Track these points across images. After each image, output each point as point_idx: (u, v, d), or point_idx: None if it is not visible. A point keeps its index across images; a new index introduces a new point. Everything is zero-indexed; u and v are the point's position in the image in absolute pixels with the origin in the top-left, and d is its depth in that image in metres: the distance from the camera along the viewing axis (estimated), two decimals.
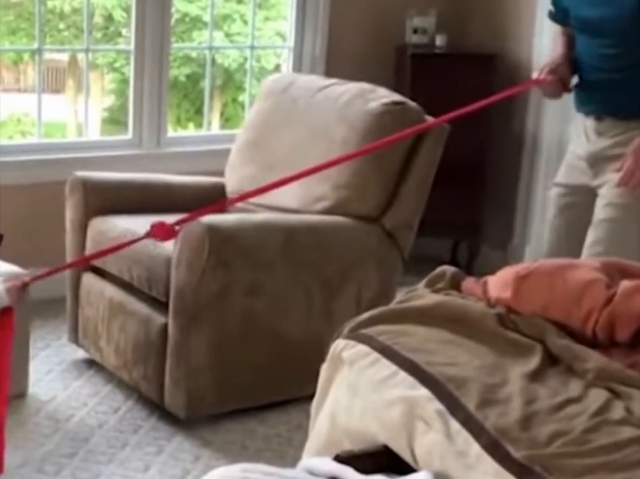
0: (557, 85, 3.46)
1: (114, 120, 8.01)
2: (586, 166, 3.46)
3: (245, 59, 5.62)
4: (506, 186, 5.23)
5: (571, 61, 3.47)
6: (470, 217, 5.17)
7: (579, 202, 3.51)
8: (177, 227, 3.14)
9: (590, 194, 3.45)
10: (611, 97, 3.37)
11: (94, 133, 6.23)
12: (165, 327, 3.42)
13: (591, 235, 3.37)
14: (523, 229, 5.17)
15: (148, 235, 3.06)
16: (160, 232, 3.07)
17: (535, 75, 3.53)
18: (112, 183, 3.94)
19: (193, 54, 7.46)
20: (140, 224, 3.67)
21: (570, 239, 3.51)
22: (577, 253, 3.32)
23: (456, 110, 3.19)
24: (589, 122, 3.46)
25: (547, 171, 4.99)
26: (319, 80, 4.14)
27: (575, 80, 3.51)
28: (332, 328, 2.97)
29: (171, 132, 5.55)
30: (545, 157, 5.01)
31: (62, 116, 8.38)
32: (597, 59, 3.38)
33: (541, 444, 1.99)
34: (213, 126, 6.72)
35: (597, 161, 3.42)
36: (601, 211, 3.38)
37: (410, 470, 2.17)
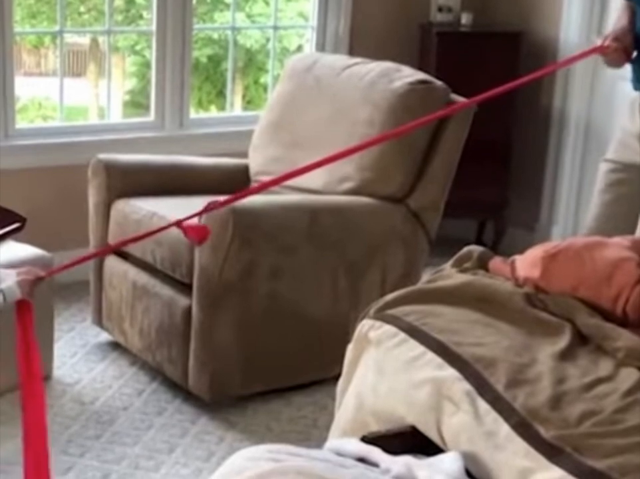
0: (620, 53, 3.39)
1: (136, 102, 8.00)
2: (638, 144, 3.42)
3: (267, 40, 5.59)
4: (533, 165, 5.18)
5: (634, 36, 3.42)
6: (496, 197, 5.13)
7: (629, 179, 3.46)
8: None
9: None
10: None
11: (115, 116, 6.21)
12: (189, 309, 3.40)
13: None
14: (550, 209, 5.12)
15: (179, 226, 2.78)
16: (193, 233, 2.71)
17: (599, 42, 3.48)
18: (134, 166, 3.93)
19: (215, 35, 7.44)
20: (163, 206, 3.67)
21: (617, 215, 3.47)
22: (621, 230, 3.27)
23: (483, 89, 3.14)
24: None
25: (574, 150, 4.95)
26: (342, 60, 4.11)
27: (635, 54, 3.46)
28: (357, 309, 2.96)
29: (194, 114, 5.52)
30: (572, 136, 4.96)
31: (84, 99, 8.38)
32: None
33: (572, 424, 1.98)
34: (235, 108, 6.68)
35: None
36: None
37: (438, 450, 2.16)
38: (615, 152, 3.54)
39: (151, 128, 4.74)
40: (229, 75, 5.16)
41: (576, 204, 4.95)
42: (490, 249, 2.82)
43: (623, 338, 2.24)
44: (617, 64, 3.51)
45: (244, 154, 4.17)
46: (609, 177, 3.52)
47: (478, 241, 5.15)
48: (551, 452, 1.92)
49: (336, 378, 2.66)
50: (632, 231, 3.28)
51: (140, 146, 4.49)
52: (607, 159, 3.56)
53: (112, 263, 3.81)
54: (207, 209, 2.71)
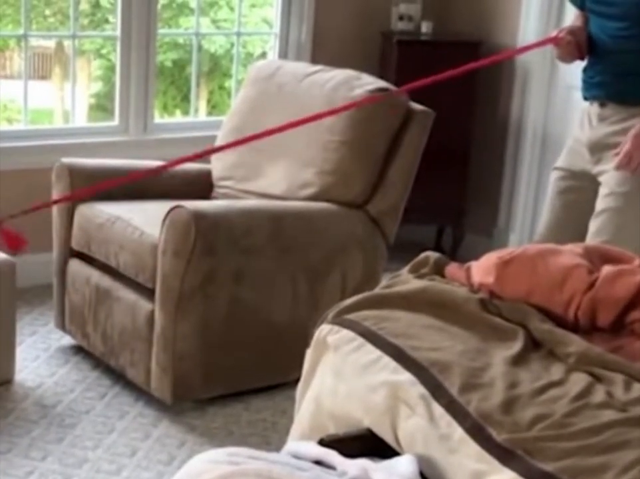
0: (573, 47, 3.43)
1: (101, 106, 7.99)
2: (587, 153, 3.48)
3: (232, 45, 5.61)
4: (491, 173, 5.24)
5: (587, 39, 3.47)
6: (455, 204, 5.19)
7: (578, 187, 3.53)
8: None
9: (590, 180, 3.48)
10: (619, 81, 3.38)
11: (80, 120, 6.21)
12: (152, 314, 3.43)
13: (593, 225, 3.39)
14: (507, 216, 5.19)
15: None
16: (6, 239, 2.72)
17: (554, 33, 3.52)
18: (98, 170, 3.93)
19: (180, 39, 7.44)
20: (126, 210, 3.69)
21: (567, 222, 3.54)
22: (571, 237, 3.34)
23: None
24: (593, 109, 3.46)
25: (531, 158, 5.02)
26: (305, 67, 4.15)
27: (585, 62, 3.51)
28: (317, 313, 2.98)
29: (158, 119, 5.53)
30: (529, 144, 5.03)
31: (49, 102, 8.35)
32: (609, 41, 3.38)
33: (523, 427, 2.01)
34: (200, 112, 6.70)
35: (598, 149, 3.44)
36: (602, 200, 3.40)
37: (393, 453, 2.19)
38: (564, 160, 3.61)
39: (115, 133, 4.76)
40: (193, 80, 5.18)
41: (533, 211, 5.02)
42: (449, 255, 2.87)
43: (574, 343, 2.29)
44: (569, 58, 3.54)
45: (208, 159, 4.19)
46: (559, 184, 3.59)
47: (437, 247, 5.21)
48: (503, 455, 1.95)
49: (296, 382, 2.68)
50: (582, 238, 3.34)
51: (104, 150, 4.51)
52: (557, 167, 3.63)
53: (75, 267, 3.82)
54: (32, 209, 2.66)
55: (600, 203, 3.39)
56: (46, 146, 4.52)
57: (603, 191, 3.41)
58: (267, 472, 1.97)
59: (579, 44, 3.44)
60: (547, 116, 4.92)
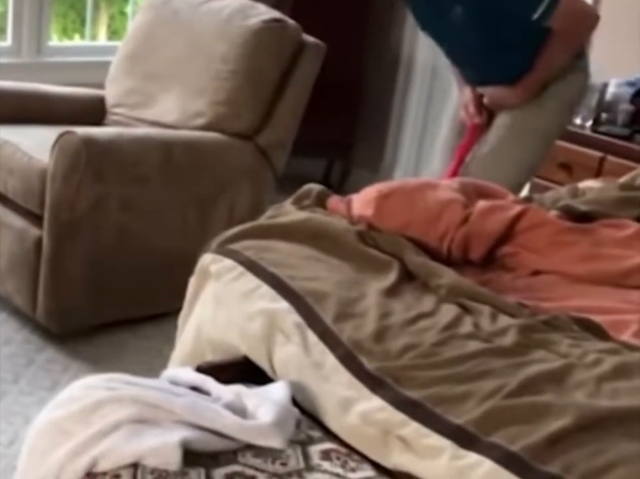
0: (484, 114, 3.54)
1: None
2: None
3: None
4: (380, 108, 5.26)
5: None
6: (343, 138, 5.22)
7: None
8: None
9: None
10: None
11: None
12: (40, 240, 3.40)
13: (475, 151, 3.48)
14: (394, 151, 5.24)
15: None
16: None
17: (467, 122, 3.59)
18: None
19: None
20: (15, 135, 3.62)
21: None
22: None
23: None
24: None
25: (420, 94, 5.06)
26: None
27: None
28: (205, 243, 2.99)
29: (57, 42, 5.41)
30: (419, 79, 5.06)
31: None
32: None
33: (393, 356, 2.05)
34: (100, 38, 6.56)
35: None
36: (490, 132, 3.50)
37: (268, 380, 2.23)
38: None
39: (7, 54, 4.63)
40: (89, 3, 5.07)
41: (419, 147, 5.07)
42: (337, 188, 2.90)
43: (446, 276, 2.34)
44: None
45: (102, 85, 4.14)
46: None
47: (325, 181, 5.26)
48: (373, 382, 1.99)
49: None
50: None
51: None
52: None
53: None
54: None
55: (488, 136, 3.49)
56: None
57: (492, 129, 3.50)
58: (143, 397, 1.99)
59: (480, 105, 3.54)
60: (438, 54, 4.94)
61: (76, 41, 7.44)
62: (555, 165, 4.19)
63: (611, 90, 4.33)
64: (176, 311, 3.41)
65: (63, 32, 7.60)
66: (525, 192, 3.72)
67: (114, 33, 7.69)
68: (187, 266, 3.14)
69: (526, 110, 3.40)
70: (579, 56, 3.43)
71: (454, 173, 3.44)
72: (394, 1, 4.97)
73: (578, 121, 4.29)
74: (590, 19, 3.31)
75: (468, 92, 3.57)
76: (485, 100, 3.51)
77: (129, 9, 5.49)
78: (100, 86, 4.17)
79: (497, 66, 3.38)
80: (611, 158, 4.16)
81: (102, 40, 6.62)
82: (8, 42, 4.66)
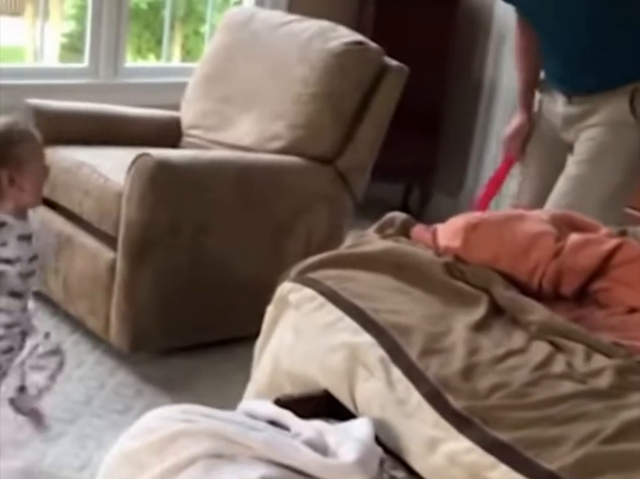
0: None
1: (74, 47, 7.84)
2: (560, 121, 3.45)
3: None
4: (461, 132, 5.21)
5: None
6: (424, 162, 5.18)
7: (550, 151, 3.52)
8: None
9: (562, 145, 3.46)
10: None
11: (51, 59, 6.08)
12: (113, 262, 3.37)
13: (558, 187, 3.37)
14: (475, 177, 5.17)
15: None
16: None
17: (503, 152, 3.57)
18: (64, 113, 3.86)
19: None
20: (92, 156, 3.62)
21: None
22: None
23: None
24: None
25: (503, 119, 4.96)
26: (280, 16, 4.08)
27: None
28: (281, 269, 2.94)
29: (131, 62, 5.43)
30: (502, 104, 4.99)
31: (22, 40, 8.19)
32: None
33: (481, 395, 1.99)
34: (174, 58, 6.59)
35: (571, 119, 3.41)
36: (570, 166, 3.37)
37: (349, 416, 2.17)
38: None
39: (85, 75, 4.66)
40: (166, 22, 5.08)
41: None
42: (416, 214, 2.84)
43: (537, 311, 2.27)
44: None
45: (179, 107, 4.12)
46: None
47: (404, 206, 5.21)
48: (460, 422, 1.93)
49: (257, 336, 2.65)
50: None
51: (72, 93, 4.39)
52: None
53: (39, 212, 3.75)
54: None
55: (568, 169, 3.38)
56: (13, 85, 4.41)
57: (572, 158, 3.39)
58: (220, 431, 1.95)
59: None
60: None
61: (152, 62, 7.51)
62: None
63: None
64: (249, 336, 3.38)
65: (137, 52, 7.67)
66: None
67: (188, 53, 7.75)
68: (262, 292, 3.09)
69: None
70: None
71: (483, 207, 3.39)
72: (477, 25, 4.93)
73: None
74: None
75: (521, 120, 3.48)
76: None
77: (205, 29, 5.50)
78: (175, 107, 4.15)
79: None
80: None
81: (176, 60, 6.66)
82: (85, 63, 4.67)
